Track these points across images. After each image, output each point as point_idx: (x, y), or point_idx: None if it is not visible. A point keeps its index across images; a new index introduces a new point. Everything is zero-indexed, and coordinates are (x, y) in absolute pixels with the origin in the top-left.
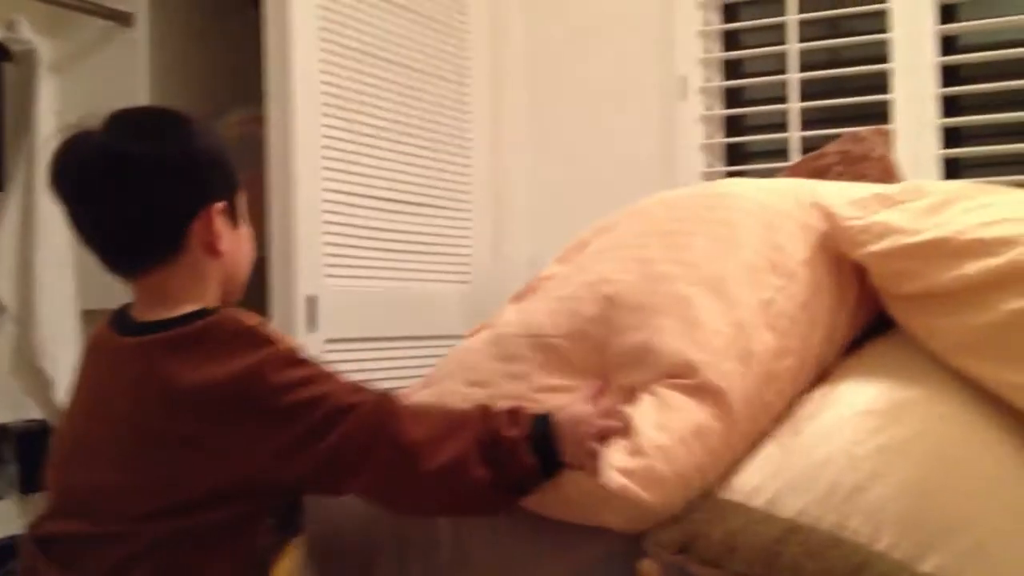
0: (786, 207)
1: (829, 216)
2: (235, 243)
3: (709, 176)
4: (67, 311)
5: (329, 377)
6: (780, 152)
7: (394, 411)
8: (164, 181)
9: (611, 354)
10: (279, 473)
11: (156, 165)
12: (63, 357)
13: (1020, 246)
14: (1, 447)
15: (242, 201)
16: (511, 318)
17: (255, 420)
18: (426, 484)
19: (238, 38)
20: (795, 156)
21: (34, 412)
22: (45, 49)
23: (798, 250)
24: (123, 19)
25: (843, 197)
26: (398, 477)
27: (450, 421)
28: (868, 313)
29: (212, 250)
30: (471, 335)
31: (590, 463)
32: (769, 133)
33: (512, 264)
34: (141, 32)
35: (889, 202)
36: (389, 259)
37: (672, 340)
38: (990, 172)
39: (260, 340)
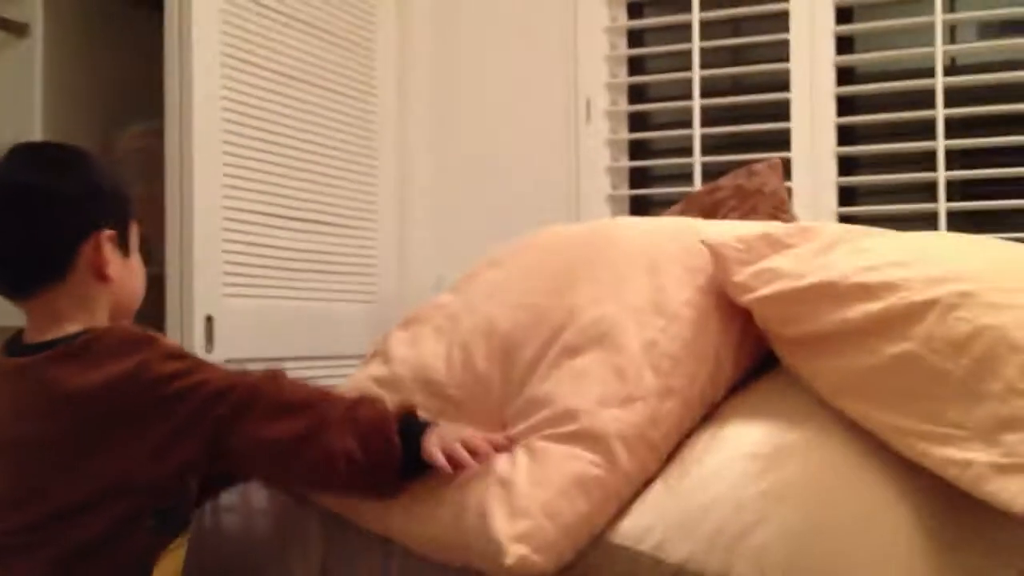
0: (671, 249)
1: (715, 258)
2: (125, 271)
3: (614, 199)
4: None
5: (211, 367)
6: (685, 176)
7: (274, 379)
8: (58, 208)
9: (504, 407)
10: (166, 463)
11: (52, 193)
12: None
13: (900, 291)
14: None
15: (135, 233)
16: (404, 354)
17: (140, 413)
18: (299, 447)
19: (138, 50)
20: (698, 180)
21: None
22: None
23: (681, 291)
24: (17, 29)
25: (730, 237)
26: (273, 436)
27: (328, 394)
28: (754, 351)
29: (100, 275)
30: (366, 360)
31: (441, 458)
32: (673, 158)
33: (417, 283)
34: (36, 42)
35: (777, 245)
36: (291, 277)
37: (555, 388)
38: (885, 200)
39: (144, 341)
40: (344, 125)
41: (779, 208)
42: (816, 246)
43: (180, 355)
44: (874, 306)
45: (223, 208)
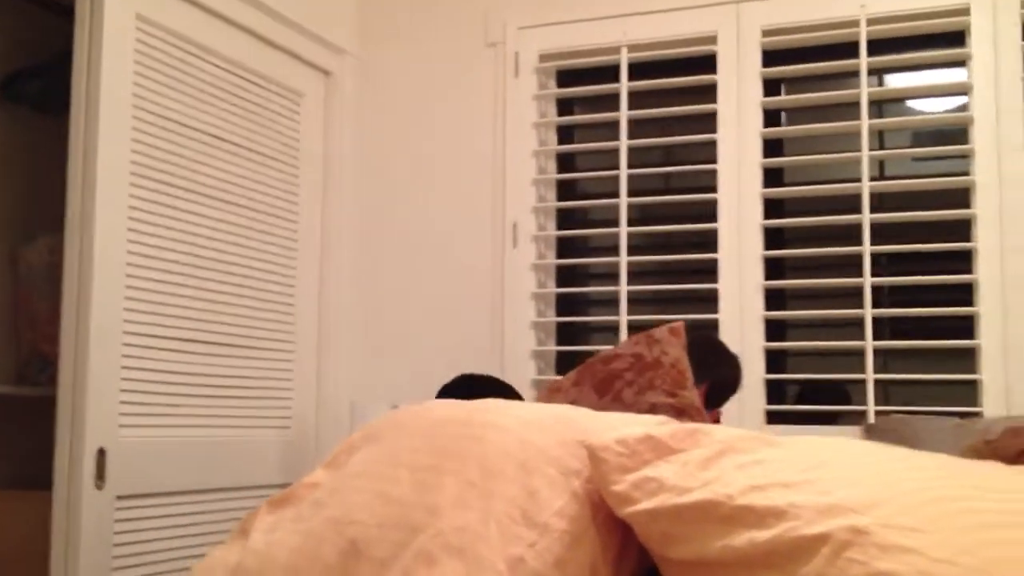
0: (547, 446)
1: (594, 462)
2: None
3: (538, 325)
4: None
5: None
6: (611, 302)
7: None
8: None
9: None
10: None
11: None
12: None
13: (789, 520)
14: None
15: None
16: (258, 543)
17: None
18: None
19: (50, 158)
20: (624, 306)
21: None
22: None
23: (555, 498)
24: None
25: (613, 435)
26: None
27: None
28: (636, 567)
29: None
30: (232, 537)
31: None
32: (601, 284)
33: (335, 409)
34: None
35: (661, 449)
36: (198, 405)
37: None
38: (811, 335)
39: None
40: (263, 244)
41: (678, 384)
42: (704, 454)
43: None
44: (760, 535)
45: (124, 333)
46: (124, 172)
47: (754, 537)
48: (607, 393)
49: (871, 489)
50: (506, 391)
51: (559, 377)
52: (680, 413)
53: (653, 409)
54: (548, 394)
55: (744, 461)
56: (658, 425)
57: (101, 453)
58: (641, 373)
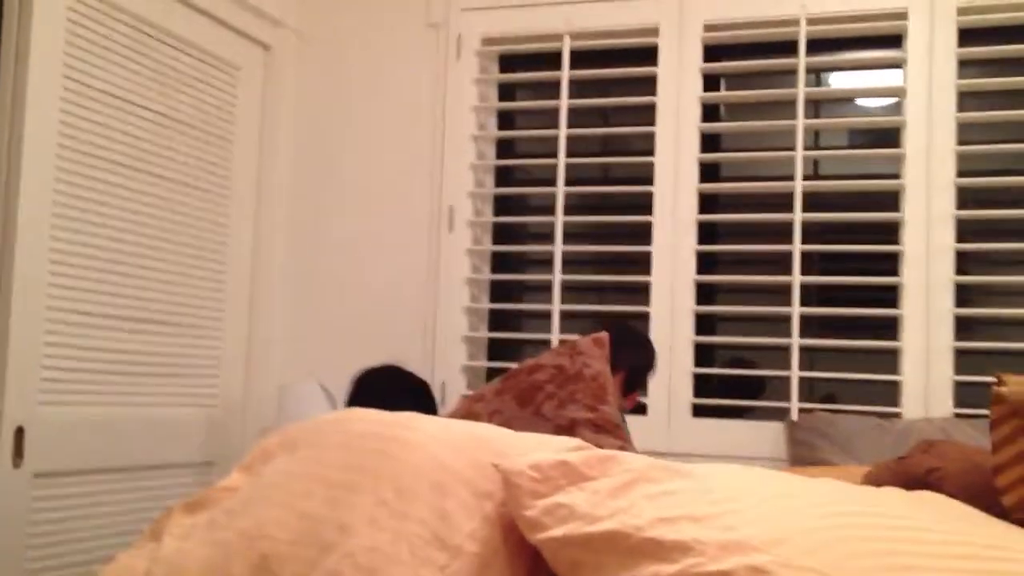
0: (460, 467)
1: (507, 487)
2: None
3: (471, 311)
4: None
5: None
6: (545, 288)
7: None
8: None
9: None
10: None
11: None
12: None
13: (693, 555)
14: None
15: None
16: (169, 551)
17: None
18: None
19: None
20: (557, 295)
21: None
22: None
23: (467, 520)
24: None
25: (527, 459)
26: None
27: None
28: None
29: None
30: (145, 536)
31: None
32: (536, 272)
33: (263, 388)
34: None
35: (574, 476)
36: (122, 382)
37: None
38: (739, 330)
39: None
40: (194, 220)
41: (598, 398)
42: (615, 482)
43: None
44: (665, 569)
45: (47, 308)
46: (51, 143)
47: (659, 571)
48: (528, 405)
49: (776, 525)
50: (424, 398)
51: (489, 363)
52: (599, 429)
53: (573, 424)
54: (470, 402)
55: (654, 491)
56: (572, 450)
57: (19, 431)
58: (562, 386)
